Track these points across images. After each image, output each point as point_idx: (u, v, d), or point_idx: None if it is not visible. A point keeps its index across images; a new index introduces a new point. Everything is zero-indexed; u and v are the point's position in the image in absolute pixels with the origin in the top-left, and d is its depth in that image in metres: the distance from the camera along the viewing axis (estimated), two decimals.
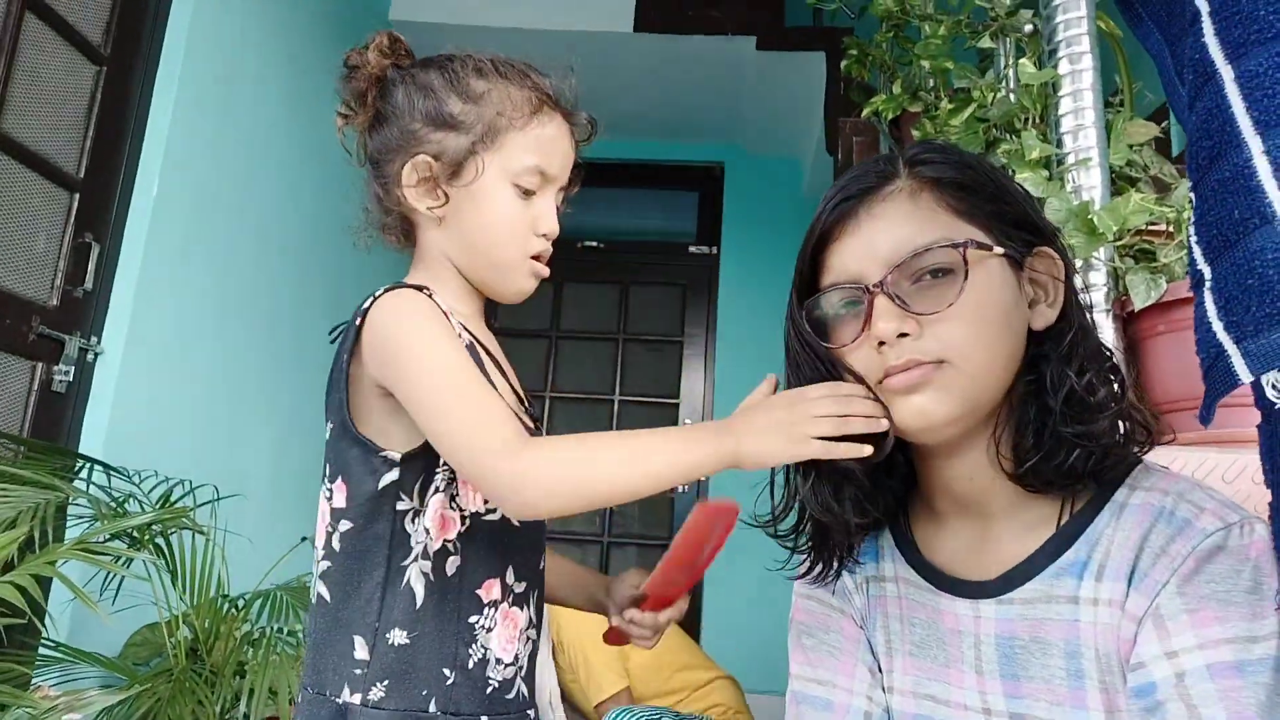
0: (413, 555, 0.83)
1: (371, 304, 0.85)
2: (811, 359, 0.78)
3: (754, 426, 0.73)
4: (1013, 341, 0.71)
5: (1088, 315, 0.75)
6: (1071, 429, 0.69)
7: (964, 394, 0.69)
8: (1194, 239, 0.45)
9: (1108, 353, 0.74)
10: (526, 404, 0.97)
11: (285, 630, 1.71)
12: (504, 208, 0.89)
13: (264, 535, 2.37)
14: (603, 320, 4.26)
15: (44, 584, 1.24)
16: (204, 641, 1.68)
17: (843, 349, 0.74)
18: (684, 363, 4.21)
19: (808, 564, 0.83)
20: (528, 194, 0.90)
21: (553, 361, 4.22)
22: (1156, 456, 0.76)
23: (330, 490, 0.87)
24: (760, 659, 3.02)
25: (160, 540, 1.65)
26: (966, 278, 0.68)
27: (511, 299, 0.94)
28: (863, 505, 0.79)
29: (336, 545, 0.85)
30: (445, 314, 0.85)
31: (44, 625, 1.66)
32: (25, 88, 1.86)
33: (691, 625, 3.64)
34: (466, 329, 0.89)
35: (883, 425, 0.71)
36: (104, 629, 1.79)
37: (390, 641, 0.81)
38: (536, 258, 0.92)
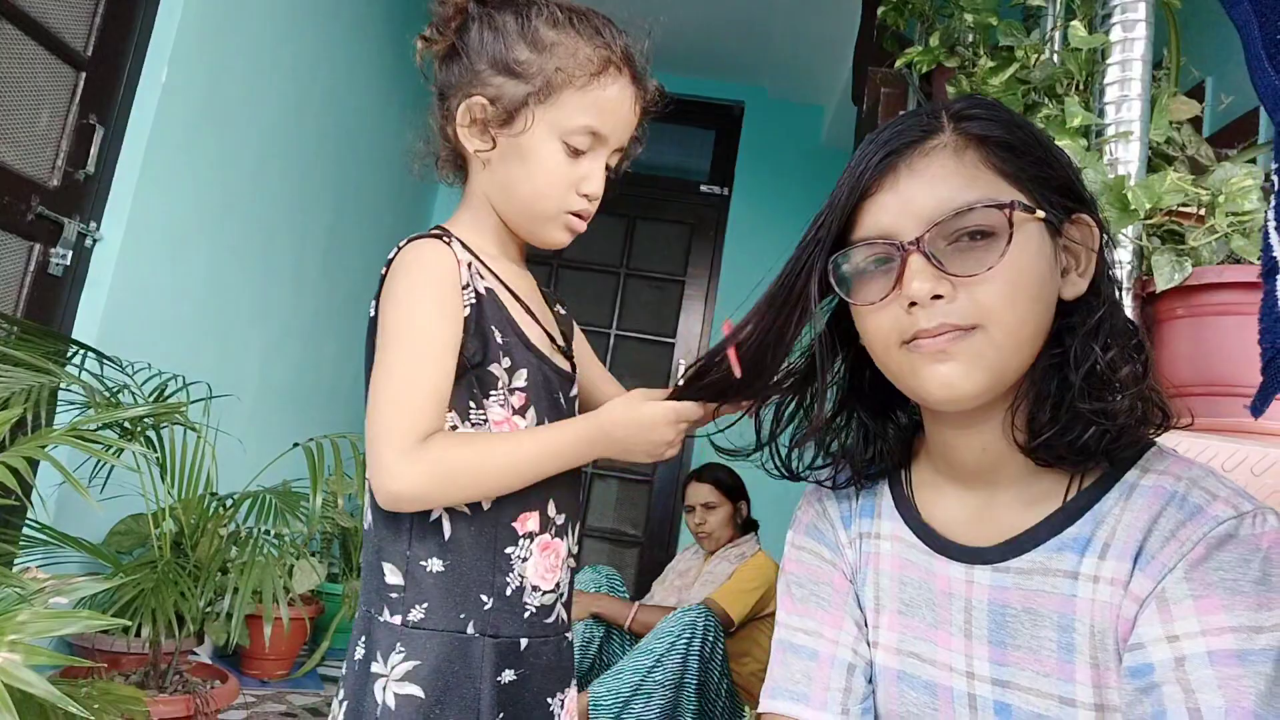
0: None
1: (395, 254, 0.88)
2: (796, 311, 0.77)
3: (620, 446, 0.87)
4: (1044, 311, 0.70)
5: (1117, 290, 0.73)
6: (1090, 405, 0.68)
7: (993, 364, 0.67)
8: (1273, 225, 0.43)
9: (1133, 328, 0.72)
10: (559, 342, 0.99)
11: (272, 532, 1.73)
12: (548, 163, 0.90)
13: (254, 438, 2.37)
14: (607, 253, 4.22)
15: (31, 468, 1.24)
16: (189, 536, 1.69)
17: (868, 307, 0.72)
18: (684, 302, 4.19)
19: (825, 469, 0.85)
20: (577, 153, 0.90)
21: (553, 291, 4.18)
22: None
23: None
24: None
25: (152, 433, 1.65)
26: (1010, 241, 0.66)
27: (544, 247, 0.96)
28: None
29: None
30: (459, 265, 0.86)
31: (30, 507, 1.67)
32: None
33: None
34: (490, 271, 0.91)
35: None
36: (87, 516, 1.79)
37: (427, 569, 0.86)
38: (577, 214, 0.93)
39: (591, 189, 0.92)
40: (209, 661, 2.13)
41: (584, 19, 0.91)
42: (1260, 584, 0.61)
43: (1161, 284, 1.15)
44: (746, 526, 2.68)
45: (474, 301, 0.87)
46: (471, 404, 0.88)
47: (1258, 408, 0.46)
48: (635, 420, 0.86)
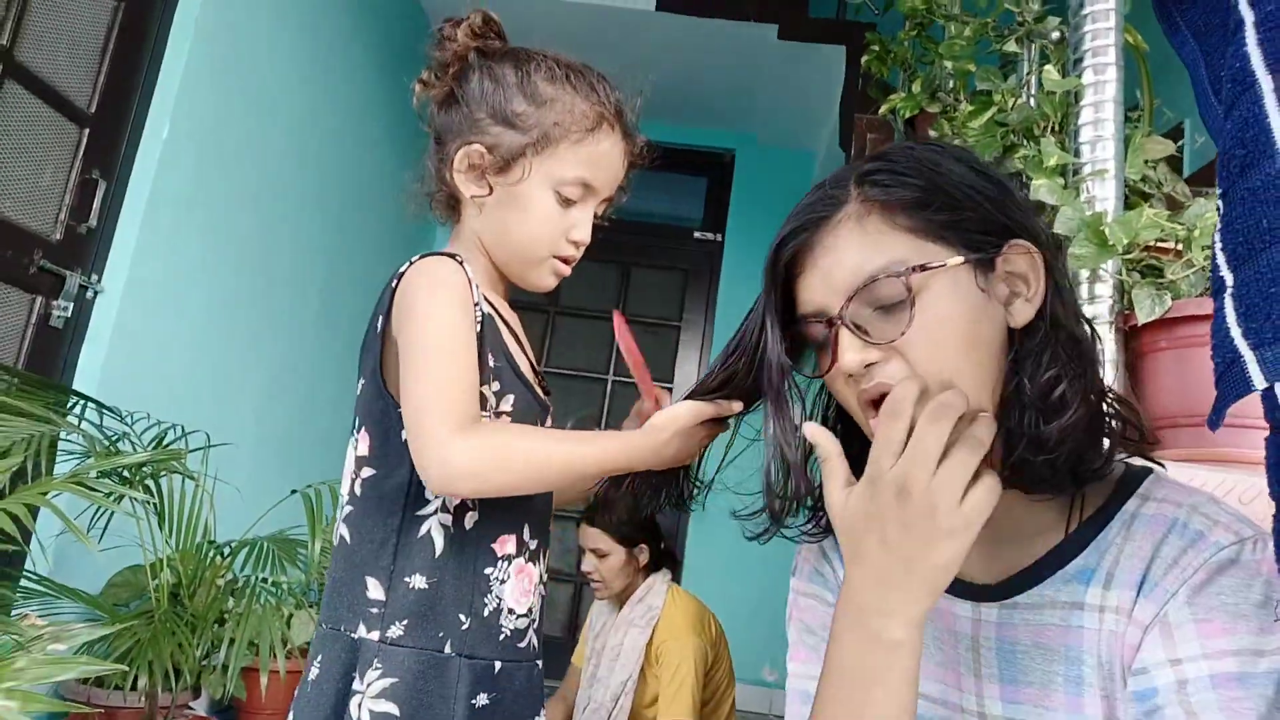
0: (432, 507, 0.88)
1: (407, 268, 0.90)
2: (753, 365, 0.80)
3: (664, 456, 0.85)
4: (984, 352, 0.69)
5: (1065, 305, 0.71)
6: (1046, 428, 0.67)
7: None
8: (1219, 245, 0.45)
9: (1078, 340, 0.71)
10: (541, 378, 1.02)
11: (270, 581, 1.72)
12: (540, 211, 0.94)
13: (252, 486, 2.37)
14: (602, 299, 4.26)
15: (31, 515, 1.24)
16: (186, 586, 1.69)
17: (823, 378, 0.74)
18: (680, 347, 4.21)
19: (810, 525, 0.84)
20: (568, 202, 0.94)
21: (549, 337, 4.21)
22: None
23: (356, 440, 0.94)
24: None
25: (150, 482, 1.65)
26: (913, 305, 0.67)
27: (531, 290, 1.00)
28: None
29: (358, 490, 0.92)
30: (470, 283, 0.89)
31: (28, 557, 1.67)
32: (42, 17, 1.85)
33: None
34: (487, 300, 0.94)
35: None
36: (84, 568, 1.79)
37: (410, 585, 0.87)
38: (564, 260, 0.97)
39: (580, 236, 0.96)
40: (205, 715, 2.11)
41: (580, 75, 0.95)
42: (1261, 608, 0.61)
43: (1142, 317, 1.17)
44: (655, 565, 2.36)
45: (480, 321, 0.90)
46: None
47: (1214, 421, 0.48)
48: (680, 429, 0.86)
